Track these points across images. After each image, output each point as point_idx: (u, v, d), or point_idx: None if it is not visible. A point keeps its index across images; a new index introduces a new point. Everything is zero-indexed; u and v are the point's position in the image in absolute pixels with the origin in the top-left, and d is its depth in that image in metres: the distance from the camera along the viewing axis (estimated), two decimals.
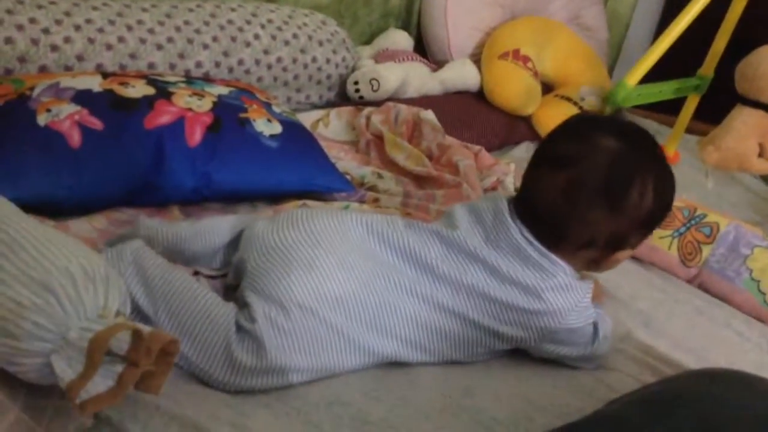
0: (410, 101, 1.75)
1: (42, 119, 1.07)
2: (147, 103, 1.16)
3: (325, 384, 0.85)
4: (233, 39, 1.54)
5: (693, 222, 1.23)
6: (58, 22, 1.32)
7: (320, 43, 1.70)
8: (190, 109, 1.18)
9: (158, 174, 1.12)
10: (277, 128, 1.26)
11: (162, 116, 1.15)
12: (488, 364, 0.94)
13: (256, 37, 1.58)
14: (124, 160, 1.10)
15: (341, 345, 0.85)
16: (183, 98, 1.20)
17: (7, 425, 0.63)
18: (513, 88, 1.80)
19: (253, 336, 0.81)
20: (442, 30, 1.96)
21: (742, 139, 1.37)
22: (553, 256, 0.90)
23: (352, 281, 0.87)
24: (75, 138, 1.07)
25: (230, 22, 1.56)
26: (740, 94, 1.39)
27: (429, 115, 1.54)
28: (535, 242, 0.90)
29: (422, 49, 2.04)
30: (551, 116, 1.80)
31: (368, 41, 2.02)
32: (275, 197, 1.23)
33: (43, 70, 1.30)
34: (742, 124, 1.37)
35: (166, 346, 0.66)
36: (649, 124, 1.99)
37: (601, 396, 0.91)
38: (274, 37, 1.61)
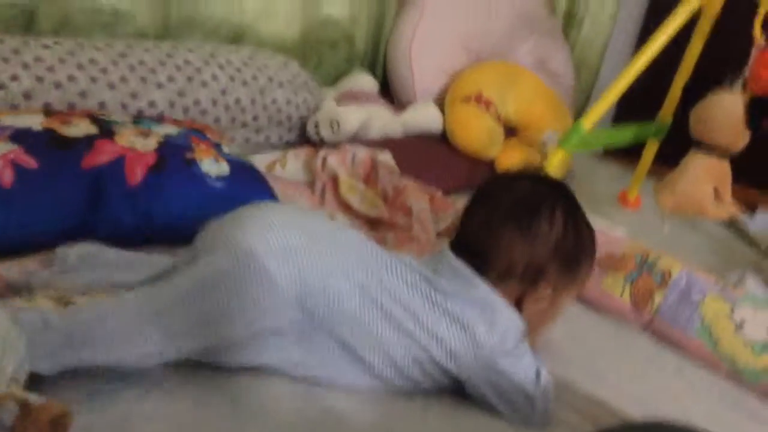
0: (372, 143, 1.74)
1: None
2: (87, 142, 1.13)
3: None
4: (189, 79, 1.53)
5: (645, 268, 1.21)
6: (5, 60, 1.30)
7: (280, 85, 1.69)
8: (132, 149, 1.16)
9: (94, 213, 1.09)
10: (224, 169, 1.24)
11: (101, 155, 1.12)
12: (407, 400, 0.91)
13: (214, 77, 1.57)
14: (58, 200, 1.07)
15: (275, 296, 0.84)
16: (126, 137, 1.18)
17: None
18: (475, 132, 1.80)
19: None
20: (407, 72, 1.96)
21: (697, 184, 1.37)
22: (479, 280, 0.93)
23: (304, 238, 0.88)
24: (6, 177, 1.04)
25: (187, 62, 1.55)
26: (695, 138, 1.39)
27: (386, 156, 1.52)
28: (465, 266, 0.94)
29: (389, 91, 2.04)
30: (513, 159, 1.79)
31: (333, 83, 2.02)
32: None
33: None
34: (697, 168, 1.37)
35: (57, 417, 0.63)
36: (611, 168, 1.99)
37: None
38: (232, 78, 1.60)
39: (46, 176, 1.07)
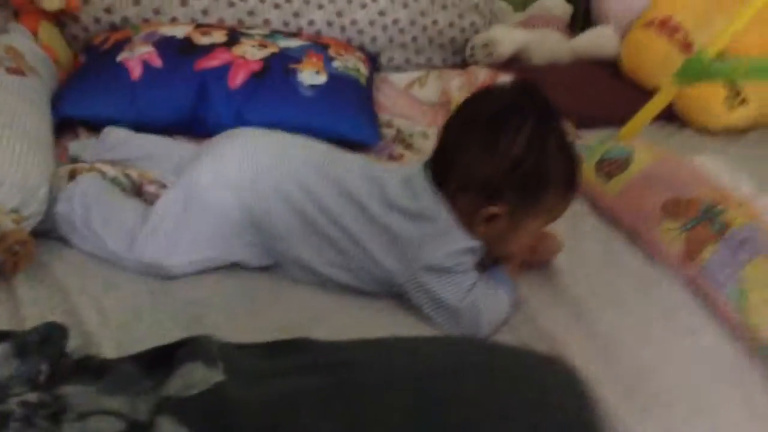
0: (533, 68, 1.70)
1: (121, 56, 1.35)
2: (208, 49, 1.37)
3: (203, 286, 0.98)
4: (349, 1, 1.67)
5: (706, 216, 1.04)
6: None
7: (443, 7, 1.74)
8: (242, 57, 1.37)
9: (201, 108, 1.33)
10: (320, 80, 1.38)
11: (212, 60, 1.35)
12: (359, 305, 0.98)
13: None
14: (172, 94, 1.33)
15: (232, 228, 0.98)
16: (243, 47, 1.39)
17: None
18: (648, 60, 1.62)
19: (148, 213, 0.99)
20: None
21: None
22: (432, 192, 0.95)
23: (250, 171, 0.99)
24: (136, 72, 1.33)
25: None
26: None
27: (505, 80, 1.49)
28: (425, 176, 0.96)
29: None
30: (695, 93, 1.58)
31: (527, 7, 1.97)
32: None
33: (173, 20, 1.59)
34: None
35: (21, 241, 0.88)
36: None
37: None
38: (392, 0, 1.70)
39: (165, 74, 1.34)
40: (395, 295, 0.98)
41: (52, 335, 0.65)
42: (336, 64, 1.44)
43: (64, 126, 1.29)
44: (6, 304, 0.90)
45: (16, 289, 0.93)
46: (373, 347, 0.72)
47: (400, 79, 1.65)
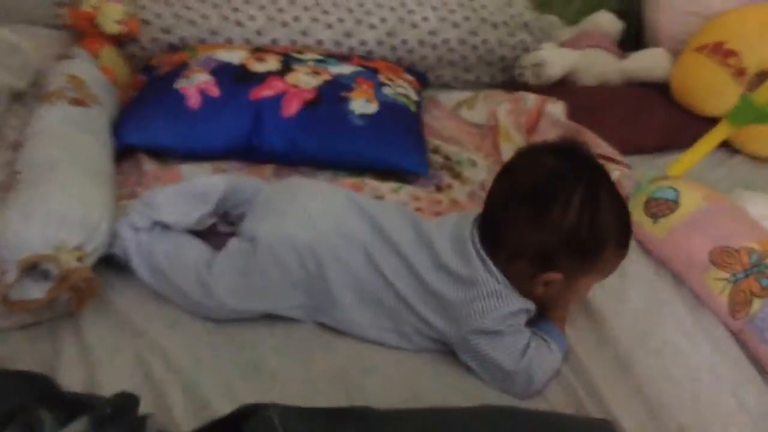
0: (583, 90, 1.70)
1: (178, 83, 1.39)
2: (262, 78, 1.41)
3: (255, 328, 1.02)
4: (401, 20, 1.69)
5: (755, 269, 1.05)
6: (246, 2, 1.63)
7: (494, 26, 1.74)
8: (296, 86, 1.40)
9: (255, 137, 1.37)
10: (371, 108, 1.40)
11: (267, 90, 1.39)
12: (411, 355, 1.01)
13: (424, 19, 1.70)
14: (229, 124, 1.37)
15: (288, 285, 1.01)
16: (297, 75, 1.42)
17: None
18: (697, 84, 1.61)
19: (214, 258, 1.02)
20: (655, 13, 1.80)
21: None
22: (484, 255, 0.96)
23: (312, 232, 1.01)
24: (194, 101, 1.37)
25: (402, 4, 1.70)
26: None
27: (555, 107, 1.50)
28: (477, 240, 0.97)
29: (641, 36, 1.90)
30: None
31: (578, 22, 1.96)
32: (355, 169, 1.39)
33: (228, 41, 1.63)
34: None
35: (87, 279, 0.92)
36: None
37: None
38: (443, 19, 1.71)
39: (222, 104, 1.37)
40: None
41: (125, 405, 0.70)
42: (386, 91, 1.46)
43: (125, 151, 1.34)
44: (76, 345, 0.95)
45: (82, 328, 0.98)
46: (430, 419, 0.76)
47: (448, 98, 1.66)
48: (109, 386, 0.90)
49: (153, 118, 1.36)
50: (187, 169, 1.35)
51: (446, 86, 1.76)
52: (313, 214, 1.03)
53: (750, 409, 0.96)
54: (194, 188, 1.08)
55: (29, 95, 1.36)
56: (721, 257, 1.09)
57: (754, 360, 1.02)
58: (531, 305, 0.97)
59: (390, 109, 1.43)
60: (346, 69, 1.48)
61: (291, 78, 1.41)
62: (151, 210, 1.05)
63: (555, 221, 0.90)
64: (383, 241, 1.01)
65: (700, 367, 1.02)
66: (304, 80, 1.42)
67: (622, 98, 1.65)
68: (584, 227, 0.90)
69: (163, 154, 1.37)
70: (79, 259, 0.97)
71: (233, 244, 1.03)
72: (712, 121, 1.63)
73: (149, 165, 1.33)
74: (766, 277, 1.04)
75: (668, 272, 1.17)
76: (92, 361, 0.93)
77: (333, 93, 1.41)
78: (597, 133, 1.48)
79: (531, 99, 1.54)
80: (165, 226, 1.06)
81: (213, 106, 1.37)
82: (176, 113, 1.36)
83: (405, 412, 0.77)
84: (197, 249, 1.05)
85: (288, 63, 1.46)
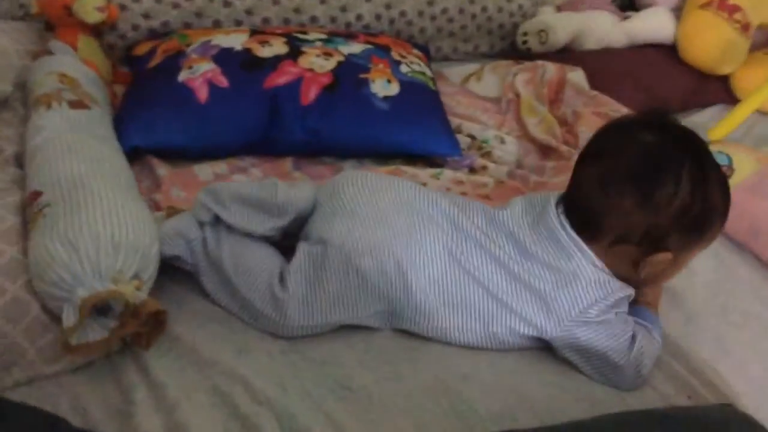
0: (588, 54, 1.65)
1: (182, 75, 1.26)
2: (273, 63, 1.29)
3: (330, 342, 0.93)
4: None
5: None
6: None
7: None
8: (311, 70, 1.29)
9: (273, 128, 1.26)
10: (393, 89, 1.31)
11: (282, 77, 1.27)
12: (502, 355, 0.94)
13: None
14: (243, 116, 1.25)
15: (365, 291, 0.91)
16: (309, 58, 1.31)
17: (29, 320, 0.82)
18: (707, 42, 1.59)
19: (286, 271, 0.92)
20: None
21: None
22: (584, 246, 0.90)
23: (388, 232, 0.92)
24: (203, 94, 1.24)
25: None
26: None
27: (577, 75, 1.45)
28: (569, 228, 0.90)
29: None
30: (755, 77, 1.56)
31: None
32: (382, 156, 1.30)
33: (217, 23, 1.49)
34: None
35: (156, 313, 0.81)
36: None
37: (607, 408, 0.86)
38: None
39: (234, 95, 1.25)
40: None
41: None
42: (403, 69, 1.37)
43: (130, 154, 1.20)
44: (144, 384, 0.84)
45: (146, 363, 0.87)
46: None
47: (455, 73, 1.59)
48: (196, 428, 0.79)
49: (160, 116, 1.23)
50: (200, 169, 1.23)
51: (446, 59, 1.69)
52: (385, 210, 0.94)
53: None
54: (265, 196, 0.96)
55: (13, 99, 1.20)
56: None
57: None
58: (632, 291, 0.92)
59: (412, 89, 1.34)
60: (355, 48, 1.38)
61: (303, 61, 1.30)
62: (217, 205, 0.94)
63: (666, 201, 0.85)
64: (462, 234, 0.93)
65: None
66: (318, 63, 1.31)
67: (631, 62, 1.62)
68: (697, 203, 0.85)
69: (171, 155, 1.24)
70: (138, 289, 0.85)
71: (302, 252, 0.92)
72: (723, 80, 1.63)
73: (162, 169, 1.20)
74: None
75: (730, 241, 1.15)
76: (168, 401, 0.82)
77: (350, 75, 1.31)
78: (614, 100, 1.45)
79: (550, 68, 1.48)
80: (228, 226, 0.96)
81: (224, 98, 1.25)
82: (185, 109, 1.23)
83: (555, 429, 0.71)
84: (270, 259, 0.94)
85: (295, 45, 1.34)
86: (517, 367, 0.93)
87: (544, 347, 0.94)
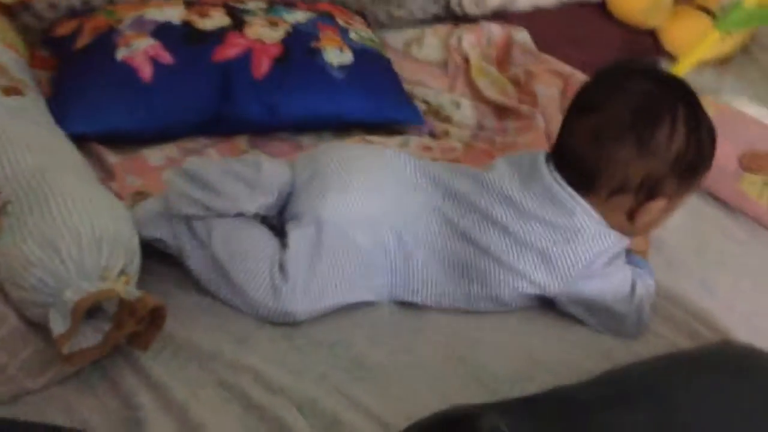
0: (521, 15, 1.65)
1: (120, 53, 1.16)
2: (219, 35, 1.21)
3: (334, 323, 0.89)
4: None
5: None
6: None
7: None
8: (259, 40, 1.22)
9: (225, 105, 1.18)
10: (347, 57, 1.26)
11: (230, 49, 1.19)
12: (506, 316, 0.93)
13: None
14: (192, 93, 1.17)
15: (364, 267, 0.89)
16: (256, 29, 1.24)
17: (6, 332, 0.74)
18: None
19: (284, 259, 0.86)
20: None
21: None
22: (582, 200, 0.89)
23: (382, 202, 0.90)
24: (146, 72, 1.15)
25: None
26: None
27: (523, 35, 1.45)
28: (565, 184, 0.89)
29: None
30: (682, 30, 1.61)
31: None
32: (341, 128, 1.25)
33: None
34: None
35: (155, 309, 0.74)
36: None
37: (618, 359, 0.87)
38: None
39: (180, 71, 1.16)
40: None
41: None
42: (353, 36, 1.32)
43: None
44: (146, 389, 0.77)
45: (141, 365, 0.80)
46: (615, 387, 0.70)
47: (394, 40, 1.55)
48: (213, 427, 0.74)
49: (102, 100, 1.13)
50: (150, 153, 1.15)
51: (381, 26, 1.64)
52: (376, 181, 0.91)
53: None
54: (250, 171, 0.89)
55: None
56: (752, 161, 1.11)
57: None
58: (628, 241, 0.92)
59: (366, 56, 1.29)
60: (300, 16, 1.31)
61: (250, 32, 1.23)
62: (202, 191, 0.87)
63: (663, 147, 0.85)
64: (456, 200, 0.91)
65: (764, 272, 1.04)
66: (266, 33, 1.24)
67: (563, 22, 1.63)
68: (691, 147, 0.87)
69: (117, 140, 1.14)
70: (126, 285, 0.78)
71: (296, 235, 0.87)
72: (653, 34, 1.67)
73: (111, 156, 1.10)
74: None
75: None
76: (177, 402, 0.76)
77: (301, 45, 1.25)
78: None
79: (495, 29, 1.47)
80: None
81: (170, 75, 1.16)
82: (128, 89, 1.14)
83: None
84: (266, 243, 0.88)
85: (237, 15, 1.26)
86: (523, 327, 0.92)
87: (544, 304, 0.94)
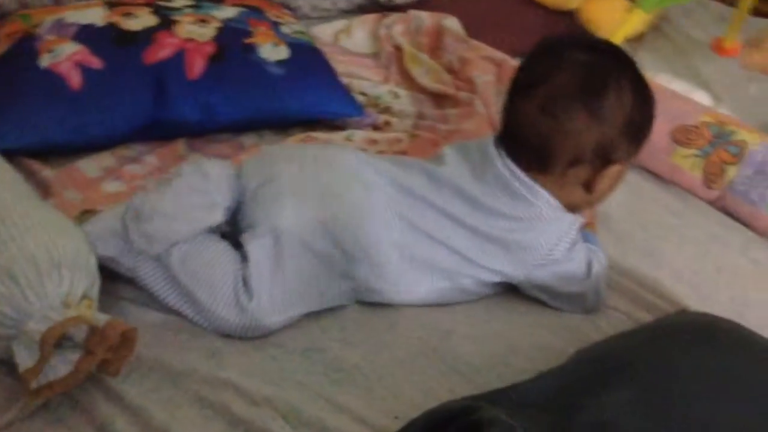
0: (443, 3, 1.66)
1: (44, 61, 1.10)
2: (147, 35, 1.16)
3: (303, 329, 0.88)
4: None
5: (720, 140, 1.14)
6: None
7: None
8: (191, 40, 1.18)
9: (161, 109, 1.14)
10: (283, 53, 1.24)
11: (162, 50, 1.15)
12: (473, 305, 0.94)
13: None
14: (125, 99, 1.12)
15: (327, 273, 0.87)
16: (185, 27, 1.19)
17: None
18: None
19: (247, 274, 0.84)
20: None
21: None
22: (537, 187, 0.90)
23: (339, 206, 0.88)
24: (75, 79, 1.09)
25: None
26: None
27: (452, 22, 1.46)
28: (519, 172, 0.90)
29: None
30: (600, 9, 1.66)
31: None
32: (282, 126, 1.23)
33: (57, 1, 1.31)
34: None
35: (126, 332, 0.70)
36: (711, 11, 1.80)
37: (585, 336, 0.90)
38: None
39: (112, 76, 1.11)
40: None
41: None
42: (285, 30, 1.29)
43: None
44: (121, 413, 0.73)
45: (112, 388, 0.76)
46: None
47: (321, 32, 1.52)
48: None
49: (29, 112, 1.07)
50: (85, 164, 1.10)
51: (306, 18, 1.61)
52: (330, 184, 0.89)
53: (762, 264, 1.06)
54: (196, 179, 0.86)
55: None
56: (683, 135, 1.16)
57: (740, 221, 1.13)
58: (582, 219, 0.95)
59: (301, 51, 1.27)
60: (229, 12, 1.28)
61: (180, 31, 1.18)
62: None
63: (613, 113, 0.87)
64: (411, 197, 0.90)
65: (704, 239, 1.10)
66: (197, 32, 1.20)
67: (488, 6, 1.64)
68: (638, 112, 0.89)
69: (47, 153, 1.08)
70: (89, 308, 0.74)
71: (254, 248, 0.84)
72: (572, 15, 1.72)
73: (45, 170, 1.04)
74: (733, 145, 1.13)
75: None
76: (156, 426, 0.73)
77: (234, 41, 1.21)
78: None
79: (424, 17, 1.47)
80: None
81: (100, 80, 1.11)
82: (56, 99, 1.09)
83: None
84: (226, 259, 0.85)
85: (164, 14, 1.21)
86: (492, 314, 0.93)
87: (508, 289, 0.96)
